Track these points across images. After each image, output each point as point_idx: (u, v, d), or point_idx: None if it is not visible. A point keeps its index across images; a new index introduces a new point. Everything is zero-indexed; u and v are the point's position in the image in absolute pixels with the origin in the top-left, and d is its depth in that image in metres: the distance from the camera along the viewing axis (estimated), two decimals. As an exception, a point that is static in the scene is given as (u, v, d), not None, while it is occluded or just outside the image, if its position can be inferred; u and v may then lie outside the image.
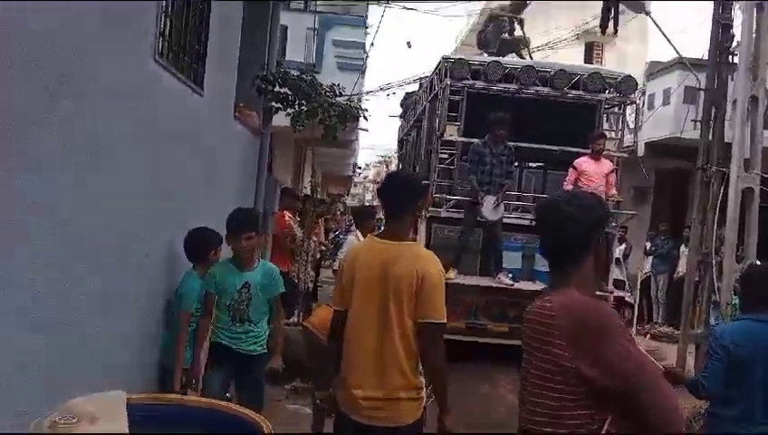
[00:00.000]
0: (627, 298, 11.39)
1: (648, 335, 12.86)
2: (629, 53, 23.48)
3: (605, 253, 2.36)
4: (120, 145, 3.36)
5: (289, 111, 7.24)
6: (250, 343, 4.30)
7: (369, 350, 3.17)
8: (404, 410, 3.18)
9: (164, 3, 3.77)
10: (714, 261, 8.59)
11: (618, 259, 12.50)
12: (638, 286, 14.11)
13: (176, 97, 4.14)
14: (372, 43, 12.68)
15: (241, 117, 6.37)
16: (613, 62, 23.50)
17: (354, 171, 29.38)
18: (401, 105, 13.67)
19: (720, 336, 3.65)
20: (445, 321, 3.17)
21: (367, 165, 71.50)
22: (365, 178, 77.00)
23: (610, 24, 8.20)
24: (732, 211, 8.11)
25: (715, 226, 8.69)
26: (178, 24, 4.12)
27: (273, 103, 7.15)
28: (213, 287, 4.23)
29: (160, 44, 3.70)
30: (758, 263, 7.15)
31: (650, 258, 13.55)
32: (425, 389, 3.32)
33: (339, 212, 33.13)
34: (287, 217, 8.12)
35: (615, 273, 11.75)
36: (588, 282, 2.21)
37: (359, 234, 6.75)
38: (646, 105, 13.80)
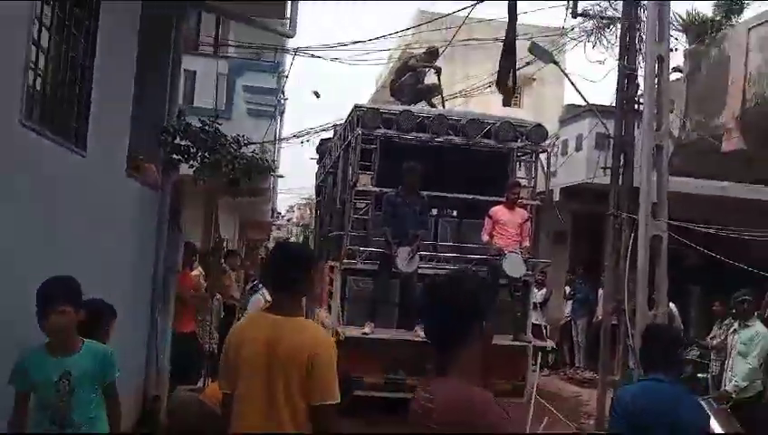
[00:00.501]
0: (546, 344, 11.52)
1: (570, 380, 13.05)
2: (547, 95, 24.39)
3: (489, 340, 2.28)
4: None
5: (192, 162, 7.05)
6: None
7: (257, 432, 3.03)
8: None
9: (33, 57, 3.53)
10: (627, 307, 8.77)
11: (536, 304, 12.67)
12: (559, 331, 14.41)
13: (50, 160, 3.88)
14: (282, 92, 12.61)
15: (136, 173, 6.11)
16: (531, 104, 24.39)
17: (273, 216, 29.03)
18: (317, 151, 13.62)
19: (621, 400, 3.64)
20: (338, 401, 3.06)
21: (291, 207, 71.29)
22: (288, 220, 76.66)
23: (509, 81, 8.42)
24: (642, 258, 8.32)
25: (627, 272, 8.90)
26: (53, 79, 3.89)
27: (174, 155, 6.92)
28: (22, 384, 3.38)
29: (28, 105, 3.46)
30: (657, 321, 7.39)
31: (569, 302, 13.83)
32: None
33: (260, 258, 32.70)
34: (190, 277, 7.81)
35: (533, 318, 11.90)
36: (473, 367, 2.16)
37: (265, 293, 6.56)
38: (560, 151, 14.22)
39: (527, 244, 9.10)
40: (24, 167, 3.55)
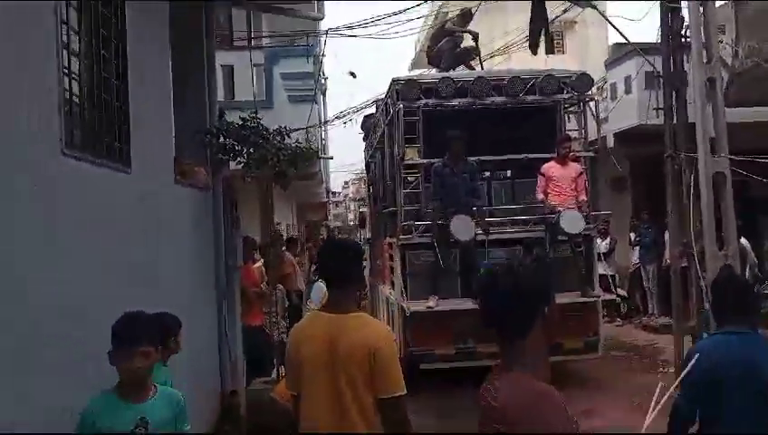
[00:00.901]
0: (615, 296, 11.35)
1: (645, 328, 12.83)
2: (590, 37, 23.58)
3: (554, 325, 2.26)
4: (34, 246, 3.20)
5: (239, 159, 7.14)
6: None
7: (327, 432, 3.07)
8: None
9: (66, 87, 3.61)
10: (695, 249, 8.53)
11: (601, 255, 12.47)
12: (629, 279, 14.15)
13: (96, 183, 3.96)
14: (322, 73, 12.59)
15: (184, 178, 6.22)
16: (575, 48, 23.61)
17: (328, 196, 29.28)
18: (362, 128, 13.61)
19: (694, 353, 3.55)
20: (405, 392, 3.09)
21: (346, 183, 71.87)
22: (345, 196, 77.30)
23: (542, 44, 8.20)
24: (705, 197, 8.05)
25: (692, 213, 8.64)
26: (89, 102, 3.96)
27: (220, 155, 7.01)
28: (93, 429, 2.98)
29: (68, 133, 3.54)
30: (727, 265, 7.10)
31: (637, 249, 13.56)
32: None
33: (321, 238, 33.13)
34: (253, 271, 7.96)
35: (600, 269, 11.71)
36: (536, 357, 2.15)
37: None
38: (609, 95, 13.81)
39: (584, 198, 8.92)
40: (71, 194, 3.64)
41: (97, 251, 3.93)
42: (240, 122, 6.91)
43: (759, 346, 3.51)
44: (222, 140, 6.88)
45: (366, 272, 15.37)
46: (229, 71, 11.40)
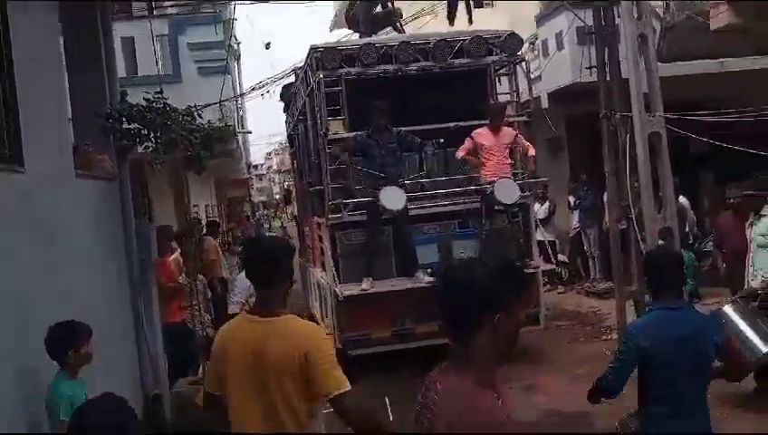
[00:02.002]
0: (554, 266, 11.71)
1: (588, 294, 13.30)
2: (520, -13, 23.81)
3: (511, 335, 2.24)
4: None
5: (147, 144, 7.01)
6: None
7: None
8: None
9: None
10: (633, 211, 8.88)
11: (539, 220, 12.82)
12: (570, 243, 14.59)
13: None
14: (234, 38, 12.33)
15: (86, 169, 6.08)
16: (506, 4, 23.78)
17: (249, 171, 28.98)
18: (281, 99, 13.45)
19: (630, 333, 3.77)
20: (348, 385, 3.17)
21: (269, 154, 71.09)
22: (269, 169, 76.53)
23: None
24: (641, 157, 8.38)
25: (629, 174, 8.97)
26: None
27: (125, 141, 6.87)
28: (60, 401, 3.97)
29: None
30: (660, 242, 7.47)
31: (576, 213, 13.92)
32: None
33: (244, 215, 32.85)
34: (169, 263, 7.89)
35: (539, 236, 12.06)
36: (485, 363, 2.16)
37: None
38: (541, 52, 14.05)
39: (532, 153, 9.23)
40: None
41: None
42: (144, 103, 6.75)
43: (693, 321, 3.77)
44: (126, 124, 6.72)
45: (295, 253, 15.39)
46: (130, 43, 11.07)
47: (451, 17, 6.94)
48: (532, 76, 11.79)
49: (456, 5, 6.83)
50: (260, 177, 67.22)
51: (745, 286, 7.46)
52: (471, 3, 6.75)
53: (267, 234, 24.06)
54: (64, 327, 4.08)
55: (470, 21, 7.81)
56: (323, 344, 3.23)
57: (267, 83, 13.20)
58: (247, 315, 3.38)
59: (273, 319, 3.20)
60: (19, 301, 4.16)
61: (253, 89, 13.62)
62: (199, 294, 8.37)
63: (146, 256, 7.29)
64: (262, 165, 64.39)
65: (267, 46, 12.63)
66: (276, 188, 64.33)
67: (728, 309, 6.23)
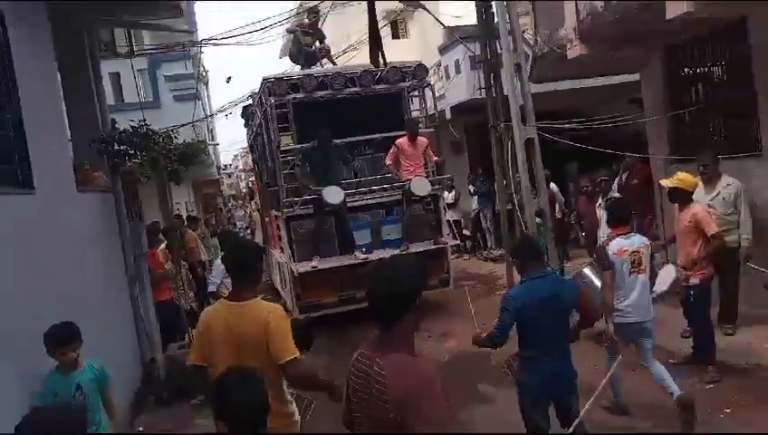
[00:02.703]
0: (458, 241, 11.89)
1: (486, 260, 13.67)
2: (429, 22, 23.93)
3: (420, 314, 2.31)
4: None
5: (134, 160, 6.91)
6: None
7: None
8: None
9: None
10: (516, 198, 9.19)
11: (447, 205, 13.07)
12: (471, 221, 14.93)
13: (2, 210, 3.79)
14: (203, 68, 12.07)
15: (85, 184, 5.96)
16: (417, 33, 23.93)
17: (219, 172, 28.47)
18: (242, 116, 13.28)
19: (508, 298, 3.98)
20: (297, 355, 3.19)
21: (236, 156, 69.61)
22: (236, 168, 74.97)
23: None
24: (520, 158, 8.66)
25: (512, 170, 9.26)
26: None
27: (116, 160, 6.74)
28: (50, 399, 3.60)
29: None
30: (537, 220, 7.77)
31: (475, 198, 14.26)
32: (296, 413, 3.44)
33: (218, 207, 32.26)
34: (157, 254, 7.78)
35: (449, 216, 12.27)
36: (411, 338, 2.19)
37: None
38: (444, 75, 14.26)
39: (437, 158, 9.40)
40: None
41: (15, 267, 3.79)
42: (131, 129, 6.64)
43: (554, 286, 3.99)
44: (116, 146, 6.60)
45: (259, 237, 15.30)
46: (116, 77, 10.79)
47: (374, 62, 7.02)
48: (437, 94, 11.99)
49: (377, 53, 6.91)
50: (229, 174, 65.84)
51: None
52: (383, 55, 6.81)
53: (239, 231, 23.66)
54: (58, 328, 3.66)
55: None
56: (281, 320, 3.24)
57: (229, 106, 13.02)
58: (225, 301, 3.37)
59: (244, 303, 3.23)
60: (38, 294, 4.08)
61: (219, 111, 13.44)
62: (183, 277, 8.27)
63: (138, 249, 7.18)
64: (230, 165, 63.04)
65: (228, 80, 12.49)
66: (243, 184, 63.20)
67: (586, 270, 6.60)
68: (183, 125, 8.30)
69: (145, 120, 6.66)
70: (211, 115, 14.35)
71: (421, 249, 8.93)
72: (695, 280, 5.54)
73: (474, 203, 14.40)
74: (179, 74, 12.12)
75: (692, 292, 5.59)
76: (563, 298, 3.94)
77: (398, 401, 2.01)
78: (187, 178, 18.56)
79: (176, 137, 7.20)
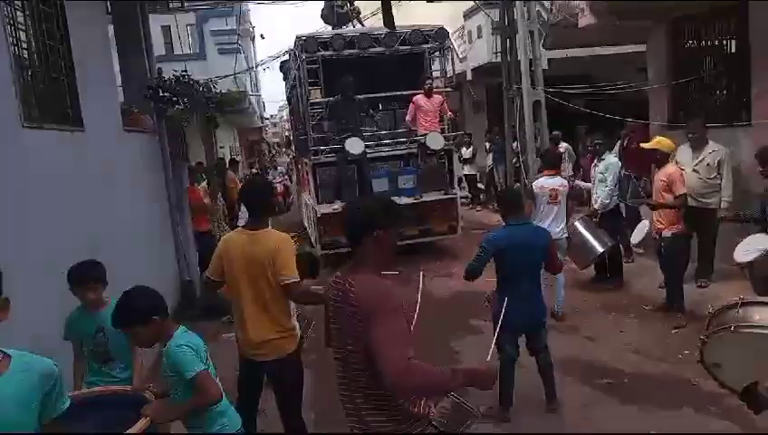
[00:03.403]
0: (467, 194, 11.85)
1: (496, 211, 13.62)
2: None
3: (393, 242, 2.35)
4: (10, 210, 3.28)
5: (177, 106, 7.09)
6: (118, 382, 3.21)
7: (250, 312, 3.37)
8: (282, 346, 3.43)
9: (20, 70, 3.60)
10: (522, 156, 9.19)
11: (465, 160, 13.04)
12: (486, 175, 14.84)
13: (57, 145, 4.00)
14: (250, 24, 12.00)
15: (134, 125, 6.19)
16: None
17: (262, 121, 28.63)
18: (281, 70, 13.32)
19: (489, 239, 4.11)
20: (297, 278, 3.32)
21: (280, 107, 69.58)
22: (281, 118, 74.96)
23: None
24: (528, 119, 8.64)
25: (520, 129, 9.23)
26: (43, 78, 3.95)
27: (161, 105, 6.93)
28: (72, 335, 3.29)
29: (26, 109, 3.56)
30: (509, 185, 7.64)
31: (491, 154, 14.12)
32: (297, 327, 3.61)
33: (263, 153, 32.60)
34: (197, 190, 8.06)
35: (466, 170, 12.24)
36: (376, 262, 2.25)
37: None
38: (467, 39, 13.96)
39: (450, 114, 9.33)
40: (36, 160, 3.67)
41: (70, 201, 4.01)
42: (174, 78, 6.80)
43: (530, 231, 4.11)
44: (161, 92, 6.78)
45: (294, 180, 15.49)
46: (167, 30, 10.89)
47: (389, 25, 6.87)
48: (461, 56, 11.83)
49: (392, 18, 6.77)
50: (274, 124, 65.94)
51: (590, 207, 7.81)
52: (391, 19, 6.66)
53: (278, 174, 23.85)
54: (77, 267, 3.20)
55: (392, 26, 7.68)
56: (287, 245, 3.37)
57: (267, 61, 13.06)
58: (242, 229, 3.50)
59: (257, 232, 3.36)
60: (91, 227, 4.30)
61: (258, 65, 13.48)
62: (220, 212, 8.56)
63: (179, 184, 7.44)
64: (276, 114, 63.10)
65: (262, 37, 12.44)
66: (286, 133, 63.32)
67: (578, 223, 6.68)
68: (225, 76, 8.40)
69: (187, 71, 6.79)
70: (251, 68, 14.39)
71: (433, 199, 9.03)
72: (666, 233, 5.60)
73: (489, 159, 14.28)
74: (224, 30, 12.15)
75: (663, 244, 5.65)
76: (537, 245, 4.06)
77: (364, 312, 2.12)
78: (231, 124, 18.83)
79: (215, 87, 7.31)
